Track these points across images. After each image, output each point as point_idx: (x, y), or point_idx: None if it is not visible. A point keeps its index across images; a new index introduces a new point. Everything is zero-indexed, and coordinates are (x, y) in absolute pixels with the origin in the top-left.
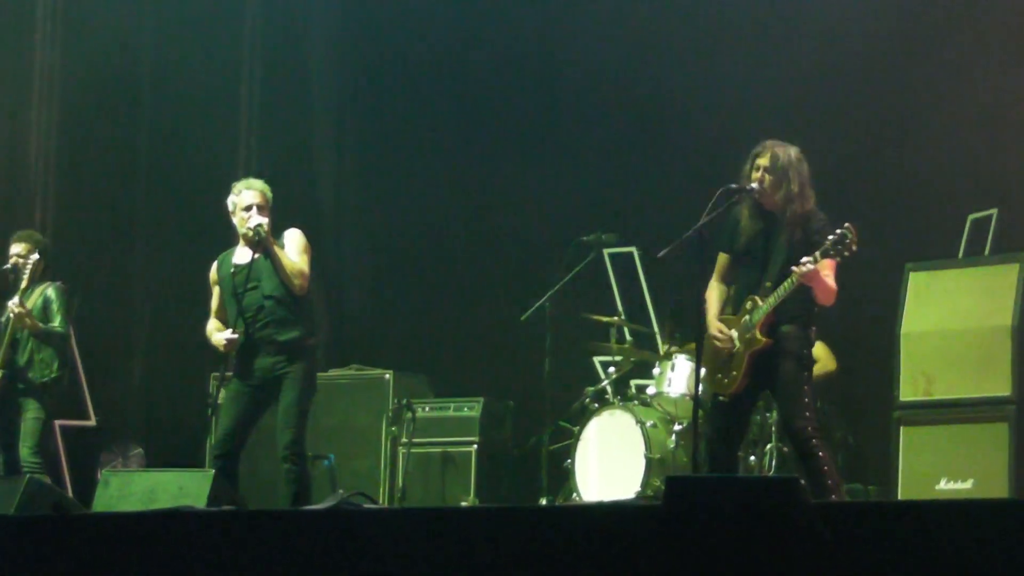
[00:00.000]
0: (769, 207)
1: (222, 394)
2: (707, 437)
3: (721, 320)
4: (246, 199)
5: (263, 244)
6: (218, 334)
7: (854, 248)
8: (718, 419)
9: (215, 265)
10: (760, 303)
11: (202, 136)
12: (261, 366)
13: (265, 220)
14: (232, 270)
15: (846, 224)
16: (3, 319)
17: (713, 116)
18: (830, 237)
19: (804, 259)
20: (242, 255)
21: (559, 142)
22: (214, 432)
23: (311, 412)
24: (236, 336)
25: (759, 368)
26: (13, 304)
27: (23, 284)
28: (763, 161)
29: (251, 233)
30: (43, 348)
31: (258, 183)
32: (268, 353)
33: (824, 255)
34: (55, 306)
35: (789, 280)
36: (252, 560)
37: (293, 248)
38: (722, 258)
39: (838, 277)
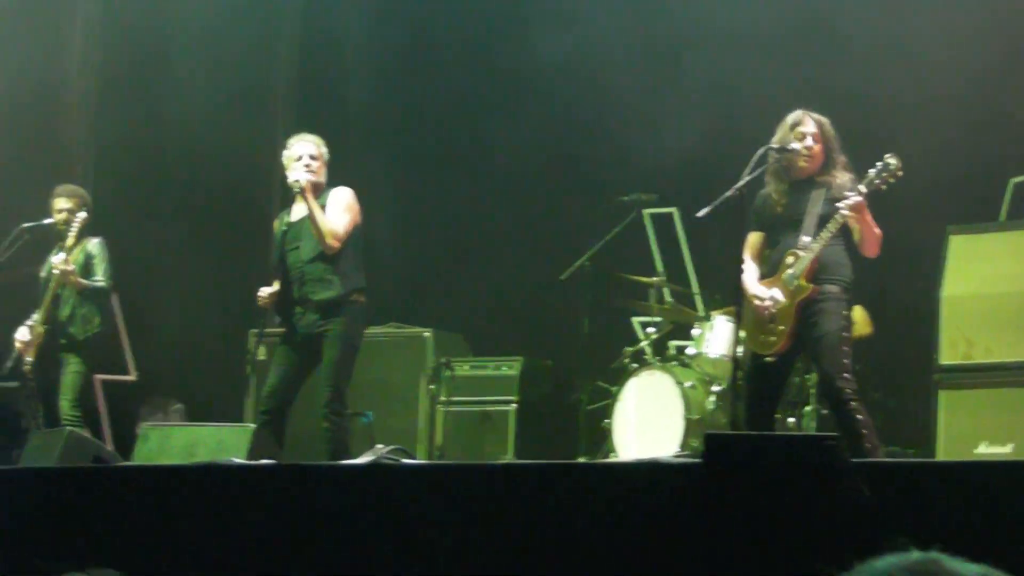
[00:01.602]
0: (803, 174)
1: (261, 350)
2: (746, 398)
3: (764, 282)
4: (296, 150)
5: (303, 199)
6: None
7: (899, 174)
8: (758, 380)
9: (276, 221)
10: (801, 254)
11: (238, 99)
12: (303, 324)
13: (305, 176)
14: (285, 228)
15: (888, 155)
16: (45, 275)
17: (750, 77)
18: (872, 169)
19: (848, 193)
20: (296, 212)
21: (599, 102)
22: (253, 389)
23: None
24: (273, 290)
25: (802, 324)
26: (59, 260)
27: (69, 241)
28: (808, 128)
29: (292, 186)
30: (85, 303)
31: (311, 136)
32: (309, 311)
33: (868, 186)
34: (97, 261)
35: (834, 220)
36: (290, 513)
37: (336, 206)
38: (753, 236)
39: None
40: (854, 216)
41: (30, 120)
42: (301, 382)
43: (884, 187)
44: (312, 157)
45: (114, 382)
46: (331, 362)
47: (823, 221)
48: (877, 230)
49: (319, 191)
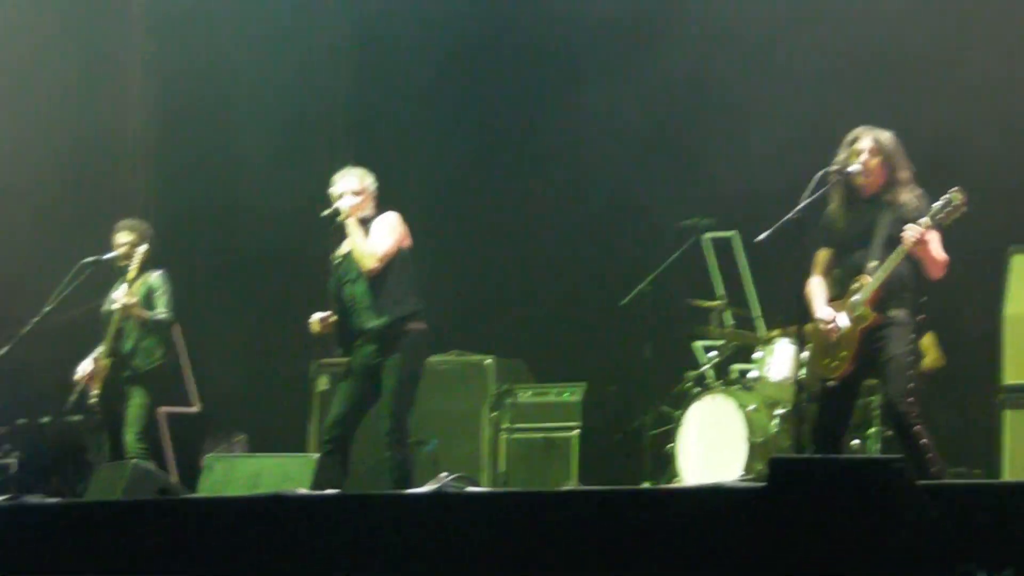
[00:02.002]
0: (867, 193)
1: (322, 380)
2: (813, 421)
3: (830, 305)
4: (337, 188)
5: (345, 227)
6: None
7: (963, 210)
8: (825, 403)
9: (332, 255)
10: (867, 281)
11: (301, 126)
12: (362, 355)
13: (349, 203)
14: (338, 260)
15: (953, 189)
16: (107, 309)
17: (807, 100)
18: (936, 203)
19: (910, 225)
20: (347, 244)
21: (659, 128)
22: (316, 418)
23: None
24: (325, 315)
25: (867, 350)
26: (120, 294)
27: (131, 274)
28: (864, 145)
29: (332, 219)
30: (147, 336)
31: (354, 169)
32: (367, 342)
33: (932, 219)
34: (159, 293)
35: (897, 250)
36: (356, 543)
37: (379, 231)
38: (822, 254)
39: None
40: (916, 248)
41: (92, 158)
42: (364, 413)
43: (947, 222)
44: (354, 192)
45: (178, 414)
46: (391, 392)
47: (890, 243)
48: (941, 257)
49: (366, 222)
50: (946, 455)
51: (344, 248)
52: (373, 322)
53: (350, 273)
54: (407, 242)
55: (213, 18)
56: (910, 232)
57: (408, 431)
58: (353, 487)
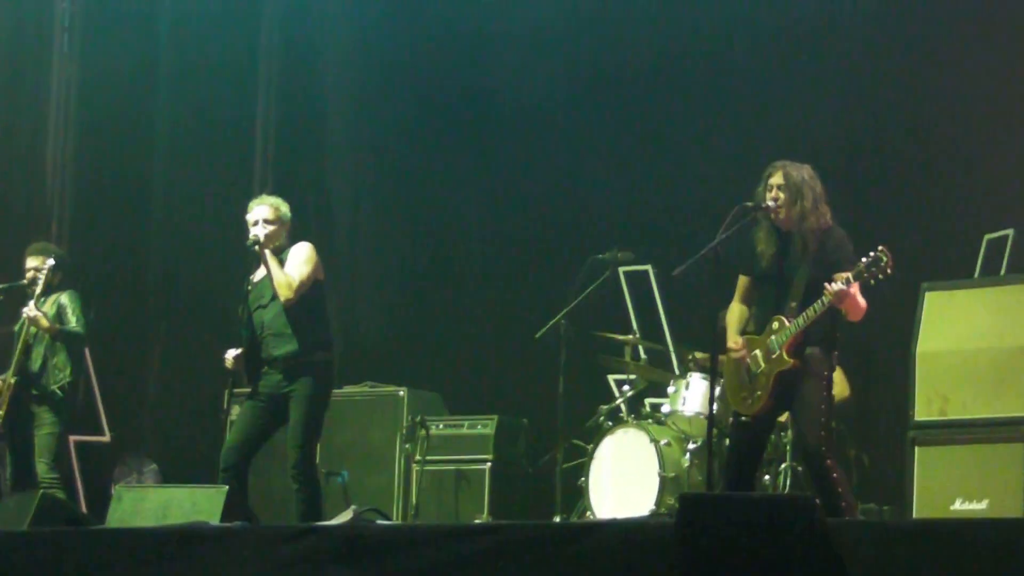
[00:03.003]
0: (785, 227)
1: (234, 410)
2: (725, 457)
3: (745, 338)
4: (252, 215)
5: (259, 257)
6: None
7: (889, 272)
8: (737, 438)
9: (245, 283)
10: (787, 323)
11: (217, 153)
12: (267, 383)
13: (261, 232)
14: (248, 287)
15: (880, 247)
16: (17, 327)
17: (727, 134)
18: (863, 260)
19: (835, 282)
20: (259, 272)
21: (573, 159)
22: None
23: (324, 428)
24: (239, 352)
25: (782, 389)
26: (27, 309)
27: (38, 290)
28: (776, 180)
29: (250, 246)
30: (57, 353)
31: (270, 199)
32: (273, 370)
33: (857, 278)
34: (70, 309)
35: (820, 301)
36: (265, 574)
37: (294, 260)
38: (743, 280)
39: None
40: (839, 302)
41: (8, 179)
42: (263, 440)
43: (873, 282)
44: (267, 221)
45: (88, 442)
46: (297, 423)
47: (810, 285)
48: (862, 306)
49: (279, 252)
50: (857, 491)
51: (257, 275)
52: (281, 350)
53: (262, 300)
54: (321, 274)
55: (135, 33)
56: (835, 290)
57: (315, 463)
58: (266, 518)
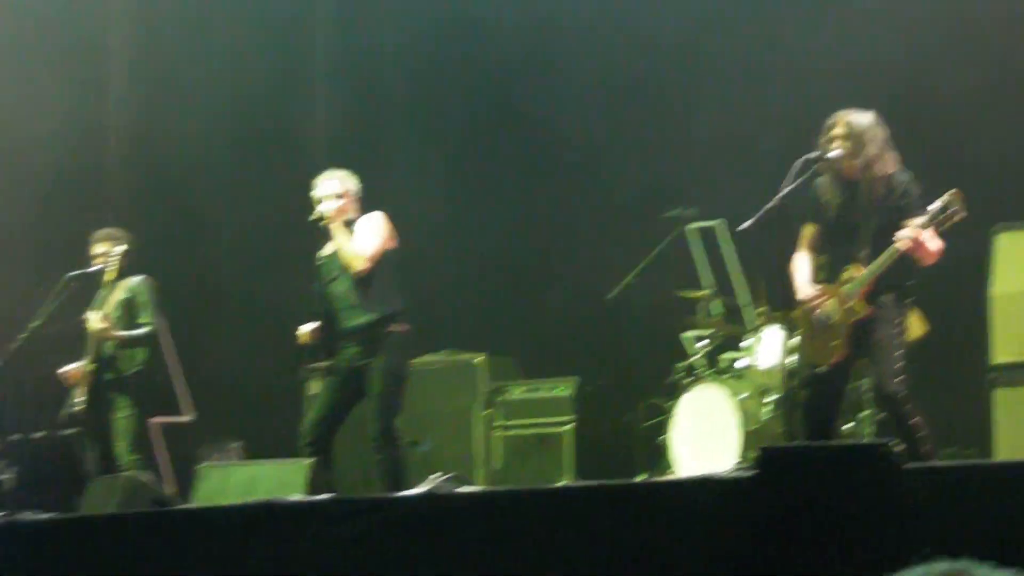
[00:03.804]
0: (850, 175)
1: (312, 385)
2: (805, 407)
3: (817, 288)
4: (320, 190)
5: (330, 230)
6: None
7: (960, 216)
8: (815, 389)
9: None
10: (859, 272)
11: (280, 124)
12: (344, 357)
13: (330, 207)
14: (320, 262)
15: (950, 192)
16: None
17: (787, 85)
18: (933, 205)
19: (903, 231)
20: (330, 246)
21: (640, 119)
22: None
23: (404, 398)
24: (312, 327)
25: (858, 337)
26: (94, 319)
27: (108, 276)
28: (838, 130)
29: (314, 223)
30: (130, 343)
31: (338, 172)
32: (349, 343)
33: (927, 224)
34: (141, 300)
35: (891, 249)
36: (350, 546)
37: (364, 230)
38: (808, 229)
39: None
40: (910, 249)
41: (74, 172)
42: (344, 414)
43: (944, 227)
44: (337, 195)
45: (172, 424)
46: (377, 396)
47: (881, 232)
48: (934, 249)
49: (350, 224)
50: (939, 436)
51: (328, 249)
52: (356, 321)
53: (333, 273)
54: (393, 243)
55: (194, 25)
56: (905, 237)
57: (397, 433)
58: (350, 490)
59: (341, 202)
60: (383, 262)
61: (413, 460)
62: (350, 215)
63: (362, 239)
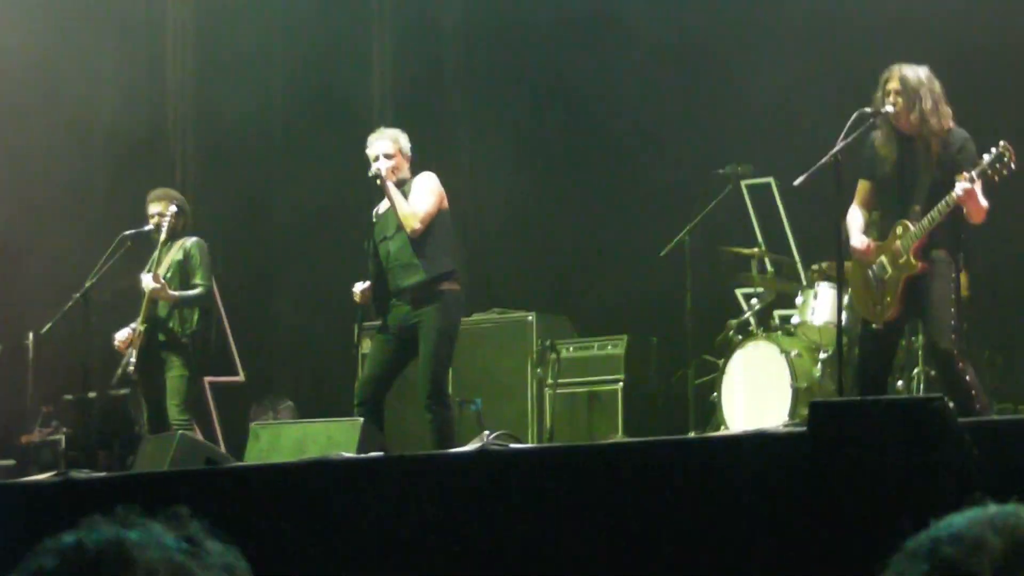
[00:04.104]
0: (905, 130)
1: (365, 344)
2: (857, 364)
3: (871, 244)
4: (372, 149)
5: (382, 190)
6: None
7: (1012, 167)
8: (869, 346)
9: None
10: (912, 227)
11: (337, 86)
12: (396, 315)
13: (384, 165)
14: (373, 220)
15: (1002, 143)
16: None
17: (841, 39)
18: (986, 157)
19: (960, 181)
20: (383, 204)
21: (692, 75)
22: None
23: (455, 357)
24: (366, 286)
25: (911, 294)
26: (148, 281)
27: (162, 236)
28: (893, 84)
29: (372, 179)
30: (183, 305)
31: (389, 131)
32: (401, 301)
33: (981, 175)
34: (195, 262)
35: (944, 202)
36: (401, 504)
37: (417, 191)
38: (863, 184)
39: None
40: (963, 200)
41: (130, 133)
42: (396, 373)
43: (997, 178)
44: (387, 155)
45: (223, 384)
46: (428, 355)
47: (934, 187)
48: (984, 205)
49: (402, 183)
50: (992, 392)
51: (381, 208)
52: (408, 280)
53: (387, 232)
54: (445, 203)
55: None
56: (960, 187)
57: (447, 391)
58: (399, 449)
59: (393, 161)
60: (436, 222)
61: (465, 419)
62: (403, 174)
63: (416, 199)
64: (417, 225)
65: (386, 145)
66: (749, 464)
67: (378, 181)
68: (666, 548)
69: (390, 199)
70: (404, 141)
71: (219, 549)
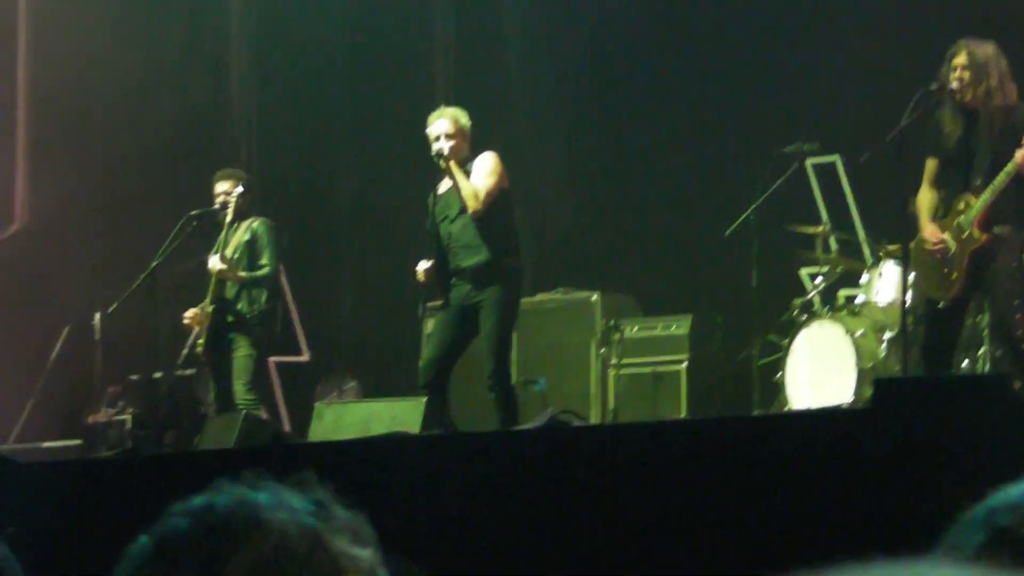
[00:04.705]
0: (971, 107)
1: (428, 324)
2: (922, 344)
3: (936, 225)
4: (434, 129)
5: (446, 170)
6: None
7: None
8: (935, 325)
9: (430, 196)
10: (973, 201)
11: (397, 64)
12: (457, 295)
13: (447, 145)
14: (434, 200)
15: None
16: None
17: (907, 16)
18: None
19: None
20: (444, 184)
21: (756, 53)
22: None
23: (518, 336)
24: (429, 265)
25: (976, 269)
26: (215, 262)
27: (229, 216)
28: (960, 60)
29: (434, 160)
30: (252, 285)
31: (449, 111)
32: (462, 280)
33: None
34: (263, 242)
35: (1004, 172)
36: (464, 482)
37: (479, 171)
38: (931, 163)
39: None
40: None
41: (196, 119)
42: (460, 352)
43: None
44: (448, 135)
45: (289, 363)
46: (490, 333)
47: (996, 160)
48: None
49: (463, 163)
50: None
51: (442, 187)
52: (470, 260)
53: (449, 212)
54: (506, 182)
55: None
56: (1020, 154)
57: (509, 369)
58: (464, 427)
59: (454, 141)
60: (497, 201)
61: (529, 398)
62: (463, 153)
63: (478, 179)
64: (479, 206)
65: (446, 125)
66: (813, 441)
67: (440, 162)
68: (730, 525)
69: (453, 179)
70: (464, 120)
71: (346, 514)
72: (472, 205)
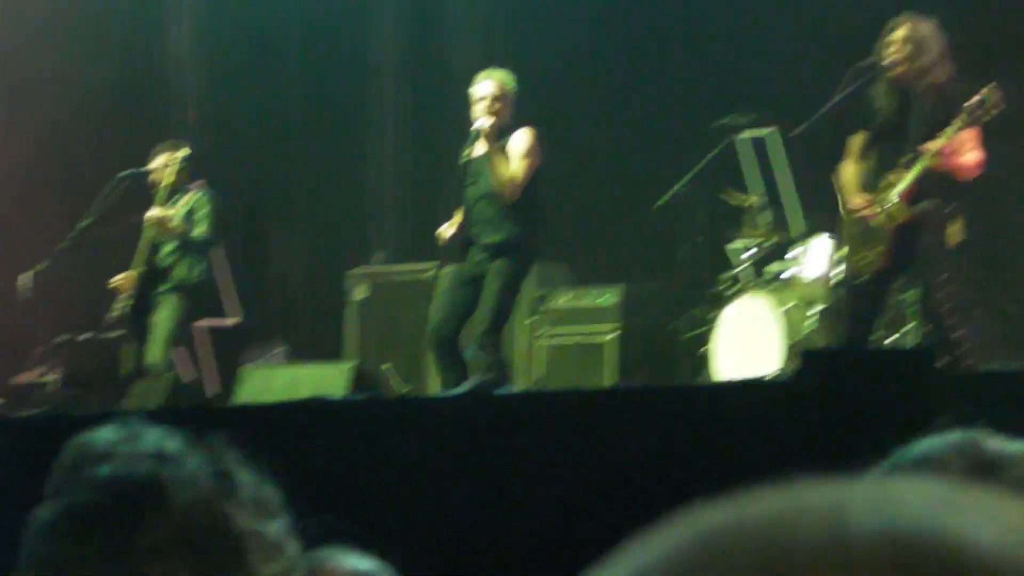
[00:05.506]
0: (905, 82)
1: (359, 289)
2: (846, 319)
3: (865, 196)
4: (478, 90)
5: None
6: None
7: (997, 109)
8: (857, 300)
9: (466, 149)
10: (902, 177)
11: (345, 31)
12: (471, 260)
13: (488, 121)
14: (466, 160)
15: (986, 87)
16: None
17: None
18: (969, 102)
19: (929, 143)
20: (479, 147)
21: (692, 24)
22: (351, 327)
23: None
24: (452, 231)
25: (901, 244)
26: (151, 212)
27: (166, 181)
28: (899, 34)
29: (473, 138)
30: (188, 252)
31: (497, 72)
32: (478, 249)
33: (966, 125)
34: (202, 213)
35: (920, 162)
36: (389, 446)
37: (516, 152)
38: (858, 137)
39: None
40: (939, 160)
41: (137, 84)
42: (467, 316)
43: (980, 124)
44: (495, 97)
45: (219, 327)
46: (488, 297)
47: (928, 137)
48: (974, 159)
49: (501, 133)
50: (985, 348)
51: (476, 151)
52: (489, 238)
53: (478, 179)
54: (539, 161)
55: None
56: (928, 150)
57: (500, 338)
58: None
59: (499, 105)
60: (528, 182)
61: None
62: (504, 119)
63: (516, 163)
64: (513, 194)
65: (492, 86)
66: (737, 411)
67: (480, 138)
68: (654, 493)
69: (490, 159)
70: (511, 84)
71: (254, 485)
72: (508, 192)
